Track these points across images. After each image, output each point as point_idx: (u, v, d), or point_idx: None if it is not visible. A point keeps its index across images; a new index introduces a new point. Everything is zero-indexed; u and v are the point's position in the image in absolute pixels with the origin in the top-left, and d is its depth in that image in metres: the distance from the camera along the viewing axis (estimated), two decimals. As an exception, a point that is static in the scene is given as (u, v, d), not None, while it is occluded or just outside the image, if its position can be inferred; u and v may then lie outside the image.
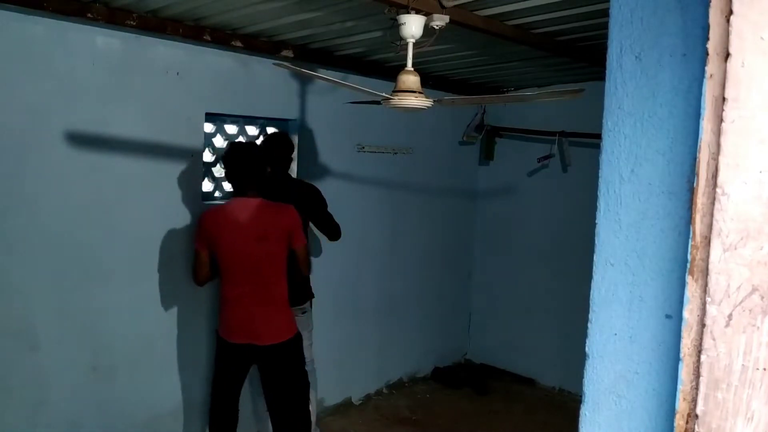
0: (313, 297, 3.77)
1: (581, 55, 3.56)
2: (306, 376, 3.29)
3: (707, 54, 0.67)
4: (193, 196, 3.54)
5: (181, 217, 3.49)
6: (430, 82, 4.47)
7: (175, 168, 3.44)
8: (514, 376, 5.27)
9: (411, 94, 2.40)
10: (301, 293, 3.68)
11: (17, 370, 2.99)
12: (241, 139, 3.94)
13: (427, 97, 2.45)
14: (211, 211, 3.16)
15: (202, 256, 3.12)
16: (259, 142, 3.88)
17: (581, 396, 0.86)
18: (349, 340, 4.54)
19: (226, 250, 3.05)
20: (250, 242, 3.00)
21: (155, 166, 3.35)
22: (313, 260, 4.00)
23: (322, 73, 4.01)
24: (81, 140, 3.07)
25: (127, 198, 3.27)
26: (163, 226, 3.42)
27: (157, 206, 3.38)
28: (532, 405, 4.82)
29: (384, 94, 2.45)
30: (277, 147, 3.59)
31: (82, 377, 3.20)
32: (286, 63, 2.46)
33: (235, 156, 3.07)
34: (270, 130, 4.11)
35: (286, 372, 3.17)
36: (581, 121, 4.47)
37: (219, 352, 3.23)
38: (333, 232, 3.73)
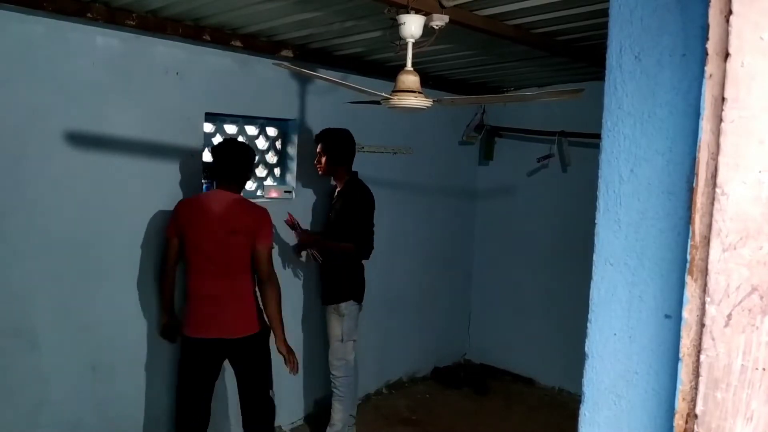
0: (353, 299, 3.77)
1: (581, 55, 3.56)
2: (270, 370, 3.30)
3: (707, 54, 0.67)
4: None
5: (180, 217, 3.48)
6: (429, 82, 4.47)
7: (175, 168, 3.44)
8: (513, 376, 5.27)
9: (411, 94, 2.40)
10: (335, 292, 3.70)
11: (17, 369, 2.99)
12: (241, 137, 3.94)
13: (426, 97, 2.45)
14: (186, 200, 3.21)
15: (173, 243, 3.16)
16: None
17: (581, 396, 0.86)
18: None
19: (195, 240, 3.07)
20: (220, 234, 3.03)
21: (155, 166, 3.35)
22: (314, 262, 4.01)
23: (322, 73, 4.01)
24: (80, 140, 3.07)
25: (127, 198, 3.27)
26: (163, 226, 3.42)
27: (156, 206, 3.38)
28: (532, 405, 4.82)
29: (383, 94, 2.45)
30: (342, 143, 3.69)
31: (81, 377, 3.20)
32: (285, 63, 2.46)
33: (230, 152, 3.15)
34: (269, 130, 4.11)
35: (258, 363, 3.22)
36: (581, 121, 4.47)
37: (186, 352, 3.20)
38: (364, 249, 3.70)
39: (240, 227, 3.05)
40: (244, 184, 3.25)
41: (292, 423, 4.21)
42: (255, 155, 3.39)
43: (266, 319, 3.21)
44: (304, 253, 4.07)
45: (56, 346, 3.10)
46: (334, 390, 3.79)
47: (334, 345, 3.75)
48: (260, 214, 3.13)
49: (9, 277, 2.93)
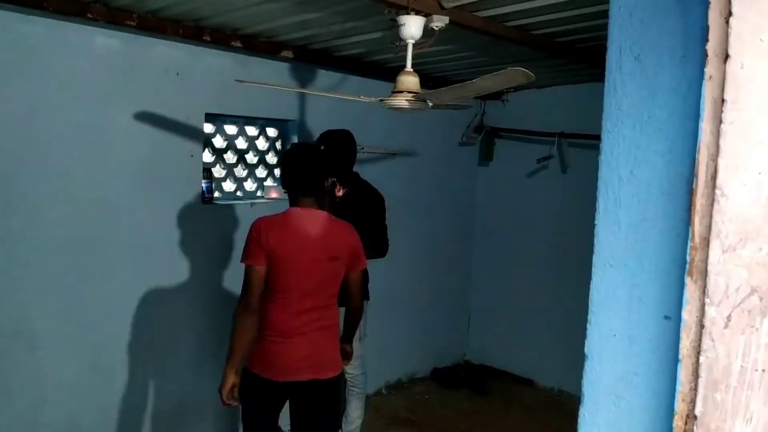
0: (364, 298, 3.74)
1: (580, 57, 3.56)
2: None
3: (706, 55, 0.67)
4: (193, 197, 3.54)
5: (180, 217, 3.49)
6: (429, 83, 4.47)
7: (175, 168, 3.44)
8: (513, 377, 5.27)
9: (410, 95, 2.40)
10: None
11: (17, 369, 2.99)
12: (241, 138, 3.95)
13: (426, 98, 2.45)
14: (269, 219, 2.59)
15: (260, 272, 2.50)
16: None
17: (580, 397, 0.86)
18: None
19: (291, 268, 2.53)
20: (322, 261, 2.57)
21: (155, 166, 3.35)
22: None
23: (322, 74, 4.01)
24: (81, 140, 3.07)
25: (127, 198, 3.27)
26: (163, 226, 3.42)
27: (156, 206, 3.38)
28: (531, 406, 4.81)
29: (375, 99, 2.45)
30: (345, 146, 3.58)
31: (81, 377, 3.20)
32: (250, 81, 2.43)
33: (300, 158, 2.61)
34: (270, 130, 4.11)
35: (329, 408, 2.72)
36: (580, 122, 4.48)
37: (255, 395, 2.63)
38: (382, 248, 3.62)
39: (340, 252, 2.61)
40: (321, 193, 2.70)
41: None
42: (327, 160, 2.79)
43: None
44: None
45: (56, 347, 3.10)
46: (352, 388, 3.80)
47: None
48: (355, 234, 2.70)
49: (9, 277, 2.93)
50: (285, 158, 2.68)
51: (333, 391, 2.70)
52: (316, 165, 2.60)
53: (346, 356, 2.93)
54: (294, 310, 2.55)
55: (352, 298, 2.79)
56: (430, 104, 2.48)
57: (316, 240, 2.56)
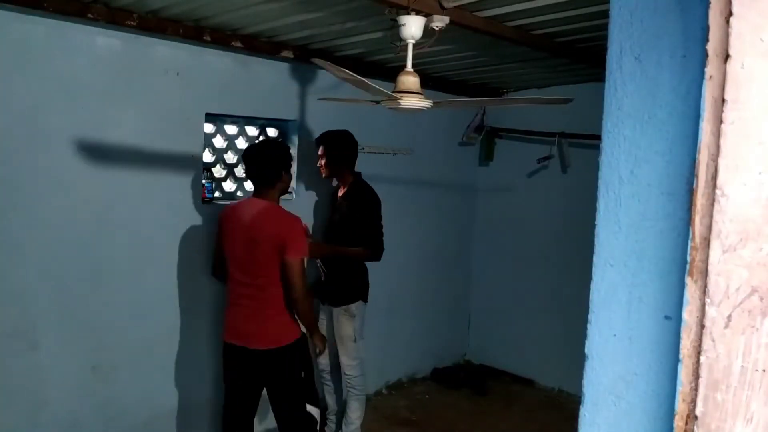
0: (361, 299, 3.78)
1: (581, 57, 3.56)
2: (300, 385, 3.14)
3: (707, 55, 0.67)
4: (193, 197, 3.54)
5: (180, 217, 3.49)
6: (429, 83, 4.46)
7: (175, 168, 3.44)
8: (513, 377, 5.27)
9: (410, 95, 2.40)
10: (344, 294, 3.72)
11: (17, 369, 2.99)
12: (242, 138, 3.95)
13: (426, 98, 2.45)
14: (227, 207, 3.19)
15: (218, 250, 3.20)
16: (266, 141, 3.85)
17: (580, 397, 0.86)
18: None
19: (227, 248, 3.07)
20: (245, 242, 2.96)
21: (155, 167, 3.35)
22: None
23: (322, 74, 4.01)
24: (81, 140, 3.07)
25: (127, 198, 3.27)
26: (163, 226, 3.42)
27: (156, 206, 3.38)
28: (532, 406, 4.81)
29: (386, 92, 2.45)
30: (344, 146, 3.67)
31: (82, 377, 3.20)
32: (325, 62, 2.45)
33: (250, 153, 3.06)
34: (270, 130, 4.11)
35: (277, 380, 3.08)
36: (580, 122, 4.47)
37: (221, 358, 3.19)
38: (375, 250, 3.66)
39: (262, 237, 2.92)
40: (277, 186, 3.05)
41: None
42: (282, 153, 3.09)
43: (300, 329, 3.11)
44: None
45: (56, 346, 3.10)
46: (351, 390, 3.80)
47: (348, 345, 3.75)
48: (288, 223, 2.96)
49: (9, 276, 2.93)
50: (243, 154, 3.11)
51: (260, 363, 3.02)
52: (262, 159, 3.01)
53: (316, 349, 3.26)
54: (233, 281, 3.06)
55: (289, 284, 2.95)
56: (430, 105, 2.48)
57: (243, 224, 2.98)
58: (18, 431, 3.01)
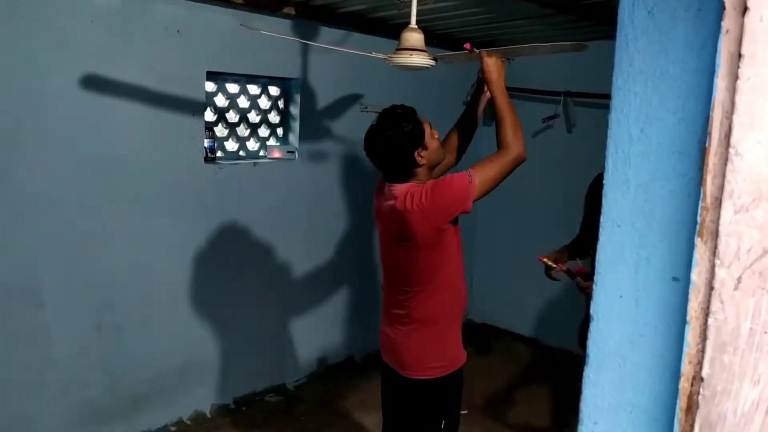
0: None
1: (588, 14, 3.49)
2: None
3: (723, 8, 0.64)
4: (195, 156, 3.52)
5: (183, 176, 3.47)
6: (434, 40, 4.39)
7: (177, 127, 3.41)
8: (515, 336, 5.31)
9: (415, 52, 2.36)
10: None
11: (23, 329, 3.01)
12: (243, 96, 3.90)
13: (430, 56, 2.41)
14: (378, 187, 2.53)
15: None
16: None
17: (585, 357, 0.86)
18: (349, 300, 4.56)
19: (378, 242, 2.55)
20: (387, 240, 2.44)
21: (156, 125, 3.33)
22: (317, 243, 4.01)
23: (324, 31, 3.95)
24: (81, 98, 3.04)
25: (130, 156, 3.25)
26: (167, 186, 3.41)
27: (158, 165, 3.36)
28: (534, 365, 4.86)
29: (379, 55, 2.41)
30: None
31: (87, 336, 3.23)
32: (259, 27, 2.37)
33: (369, 143, 2.45)
34: (272, 89, 4.06)
35: (410, 417, 2.43)
36: (586, 80, 4.41)
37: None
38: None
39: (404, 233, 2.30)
40: (415, 172, 2.37)
41: (296, 381, 4.26)
42: (406, 133, 2.33)
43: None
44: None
45: (61, 305, 3.12)
46: None
47: None
48: (403, 210, 2.25)
49: (14, 235, 2.93)
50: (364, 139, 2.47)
51: (410, 393, 2.44)
52: (383, 150, 2.37)
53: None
54: (384, 287, 2.54)
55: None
56: (434, 62, 2.44)
57: (384, 218, 2.44)
58: (25, 390, 3.05)
